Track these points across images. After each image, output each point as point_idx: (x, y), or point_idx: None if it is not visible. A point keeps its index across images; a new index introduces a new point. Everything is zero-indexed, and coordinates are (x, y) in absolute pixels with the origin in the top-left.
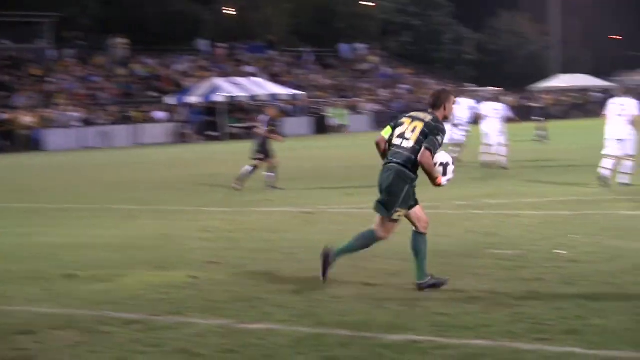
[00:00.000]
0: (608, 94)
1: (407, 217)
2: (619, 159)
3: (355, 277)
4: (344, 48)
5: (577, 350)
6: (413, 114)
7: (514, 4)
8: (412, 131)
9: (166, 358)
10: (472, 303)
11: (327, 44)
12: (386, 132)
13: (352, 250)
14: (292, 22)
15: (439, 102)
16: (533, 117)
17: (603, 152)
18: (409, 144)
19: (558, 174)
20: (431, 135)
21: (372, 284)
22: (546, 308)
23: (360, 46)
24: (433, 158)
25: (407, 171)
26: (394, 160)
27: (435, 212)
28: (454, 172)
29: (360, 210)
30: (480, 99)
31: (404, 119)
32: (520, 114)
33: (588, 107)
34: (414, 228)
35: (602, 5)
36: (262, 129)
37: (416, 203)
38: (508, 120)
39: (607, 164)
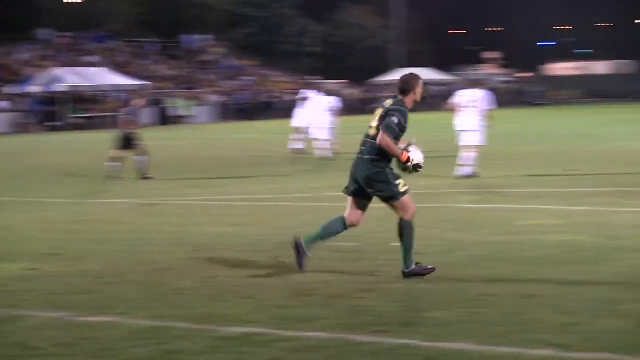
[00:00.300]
0: (451, 87)
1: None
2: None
3: (197, 269)
4: (188, 39)
5: (414, 342)
6: (383, 102)
7: None
8: (375, 119)
9: (3, 352)
10: (311, 296)
11: (172, 34)
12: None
13: (409, 247)
14: (137, 11)
15: (408, 87)
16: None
17: (461, 145)
18: (372, 131)
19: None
20: (387, 117)
21: (213, 276)
22: (384, 300)
23: (205, 37)
24: (392, 138)
25: (375, 161)
26: (362, 149)
27: (276, 204)
28: (422, 158)
29: (201, 202)
30: (319, 91)
31: (376, 110)
32: (364, 107)
33: (430, 100)
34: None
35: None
36: (128, 119)
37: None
38: (338, 113)
39: (466, 158)
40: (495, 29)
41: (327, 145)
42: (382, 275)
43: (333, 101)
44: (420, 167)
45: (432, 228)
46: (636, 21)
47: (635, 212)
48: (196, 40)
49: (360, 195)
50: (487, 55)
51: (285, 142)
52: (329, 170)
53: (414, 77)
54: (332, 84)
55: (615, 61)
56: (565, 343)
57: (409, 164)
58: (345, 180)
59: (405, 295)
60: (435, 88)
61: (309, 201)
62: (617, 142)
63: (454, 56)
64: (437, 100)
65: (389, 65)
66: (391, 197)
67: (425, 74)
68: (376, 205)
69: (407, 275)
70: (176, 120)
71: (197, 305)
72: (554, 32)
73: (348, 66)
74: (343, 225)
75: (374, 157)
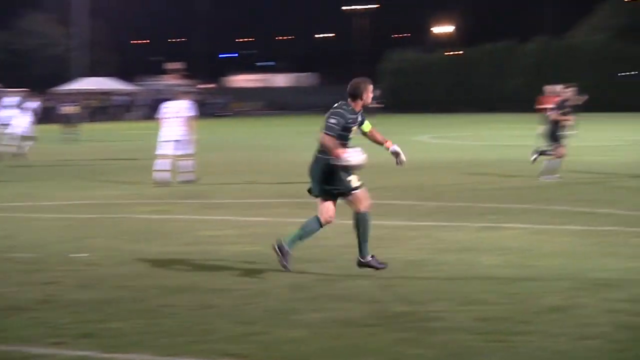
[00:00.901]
0: (133, 97)
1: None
2: (176, 158)
3: None
4: None
5: (92, 353)
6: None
7: (38, 3)
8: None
9: None
10: None
11: None
12: None
13: (364, 239)
14: None
15: (358, 92)
16: (62, 121)
17: (158, 153)
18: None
19: (83, 177)
20: (326, 120)
21: None
22: (63, 312)
23: None
24: (332, 137)
25: (326, 156)
26: (316, 149)
27: None
28: (359, 161)
29: None
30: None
31: None
32: (47, 116)
33: (112, 110)
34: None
35: (128, 9)
36: None
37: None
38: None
39: (162, 165)
40: (177, 40)
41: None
42: (61, 286)
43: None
44: (353, 167)
45: (112, 239)
46: (316, 35)
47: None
48: None
49: (326, 193)
50: (169, 65)
51: None
52: (12, 180)
53: (363, 83)
54: (12, 92)
55: (295, 74)
56: (244, 353)
57: (341, 161)
58: (28, 188)
59: (85, 306)
60: (117, 98)
61: None
62: (297, 153)
63: (137, 66)
64: (120, 109)
65: (71, 74)
66: (345, 192)
67: (108, 83)
68: (55, 215)
69: (362, 264)
70: None
71: None
72: (235, 44)
73: (29, 74)
74: (318, 224)
75: (324, 154)
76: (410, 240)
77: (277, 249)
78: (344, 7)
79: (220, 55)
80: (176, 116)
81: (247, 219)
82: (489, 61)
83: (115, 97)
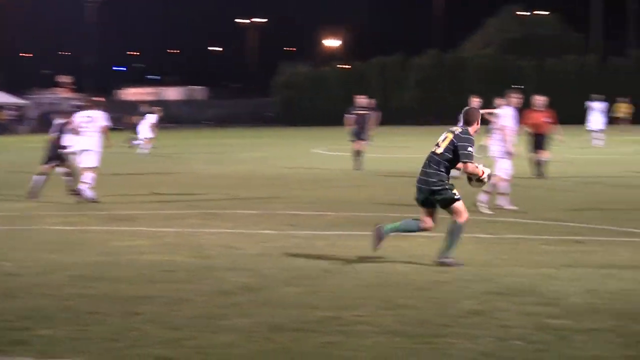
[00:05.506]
0: (23, 110)
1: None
2: (82, 170)
3: None
4: None
5: (27, 359)
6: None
7: None
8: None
9: None
10: None
11: None
12: None
13: (451, 245)
14: None
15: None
16: None
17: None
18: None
19: None
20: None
21: None
22: None
23: None
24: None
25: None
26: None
27: None
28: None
29: None
30: None
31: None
32: None
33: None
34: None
35: (16, 21)
36: None
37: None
38: None
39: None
40: (66, 53)
41: None
42: None
43: None
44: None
45: (30, 250)
46: (208, 48)
47: (220, 232)
48: None
49: (429, 204)
50: (59, 78)
51: None
52: None
53: (477, 111)
54: None
55: (187, 87)
56: (176, 357)
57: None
58: None
59: (11, 315)
60: (7, 112)
61: None
62: (194, 165)
63: (25, 79)
64: (9, 123)
65: None
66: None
67: None
68: None
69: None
70: None
71: None
72: (125, 58)
73: None
74: (417, 227)
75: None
76: (323, 249)
77: (375, 231)
78: (237, 20)
79: (113, 68)
80: (89, 126)
81: (158, 229)
82: (379, 74)
83: (6, 111)
